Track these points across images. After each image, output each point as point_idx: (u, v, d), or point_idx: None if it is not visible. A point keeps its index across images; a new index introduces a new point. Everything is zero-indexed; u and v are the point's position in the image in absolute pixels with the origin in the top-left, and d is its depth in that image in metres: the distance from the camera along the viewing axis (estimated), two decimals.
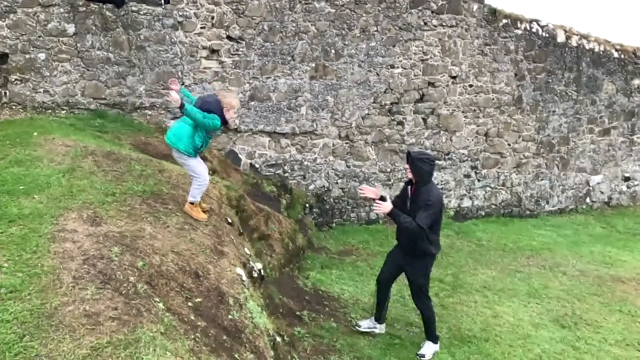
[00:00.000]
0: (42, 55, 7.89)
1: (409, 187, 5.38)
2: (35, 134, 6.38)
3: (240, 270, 4.79)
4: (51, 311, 3.22)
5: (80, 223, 4.33)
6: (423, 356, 5.47)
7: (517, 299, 7.08)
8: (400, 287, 6.46)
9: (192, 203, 5.25)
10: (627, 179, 12.59)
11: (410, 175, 5.33)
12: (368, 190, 5.38)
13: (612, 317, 6.77)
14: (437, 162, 10.45)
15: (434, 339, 5.59)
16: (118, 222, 4.52)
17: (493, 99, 10.79)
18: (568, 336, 6.19)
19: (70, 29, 7.96)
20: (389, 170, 10.21)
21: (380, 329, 5.85)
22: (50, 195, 4.74)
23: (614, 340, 6.18)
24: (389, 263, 5.72)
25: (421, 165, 5.17)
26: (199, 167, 5.18)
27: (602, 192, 12.38)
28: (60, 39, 7.94)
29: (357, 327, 5.80)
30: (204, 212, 5.37)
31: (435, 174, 10.60)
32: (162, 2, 8.21)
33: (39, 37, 7.83)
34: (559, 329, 6.36)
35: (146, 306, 3.53)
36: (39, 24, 7.82)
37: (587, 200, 12.24)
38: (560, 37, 11.15)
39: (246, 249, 5.64)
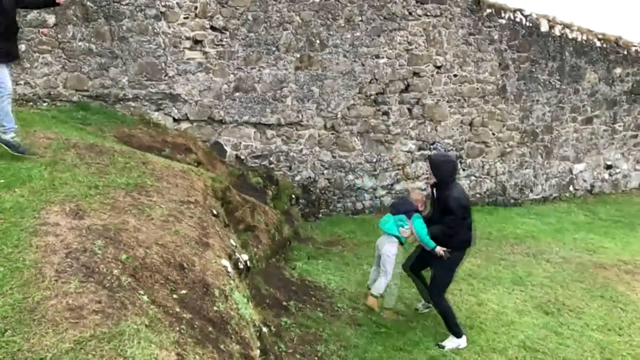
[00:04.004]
0: (22, 47, 7.73)
1: (434, 188, 5.61)
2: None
3: (225, 262, 4.77)
4: (33, 305, 3.18)
5: (63, 216, 4.28)
6: (442, 347, 5.55)
7: (501, 287, 7.17)
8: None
9: (373, 296, 6.04)
10: (609, 167, 12.76)
11: (432, 180, 5.61)
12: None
13: (594, 303, 6.89)
14: (426, 151, 10.53)
15: (455, 333, 5.62)
16: (101, 215, 4.47)
17: (477, 88, 10.84)
18: (551, 322, 6.28)
19: (51, 19, 7.83)
20: (374, 160, 10.24)
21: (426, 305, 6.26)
22: (31, 188, 4.67)
23: (595, 326, 6.29)
24: (417, 253, 6.02)
25: (443, 168, 5.44)
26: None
27: (584, 180, 12.54)
28: (41, 29, 7.80)
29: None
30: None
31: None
32: None
33: (19, 28, 7.68)
34: (543, 315, 6.46)
35: (130, 299, 3.51)
36: (18, 15, 7.64)
37: (570, 188, 12.39)
38: (544, 27, 11.22)
39: (232, 241, 5.62)
